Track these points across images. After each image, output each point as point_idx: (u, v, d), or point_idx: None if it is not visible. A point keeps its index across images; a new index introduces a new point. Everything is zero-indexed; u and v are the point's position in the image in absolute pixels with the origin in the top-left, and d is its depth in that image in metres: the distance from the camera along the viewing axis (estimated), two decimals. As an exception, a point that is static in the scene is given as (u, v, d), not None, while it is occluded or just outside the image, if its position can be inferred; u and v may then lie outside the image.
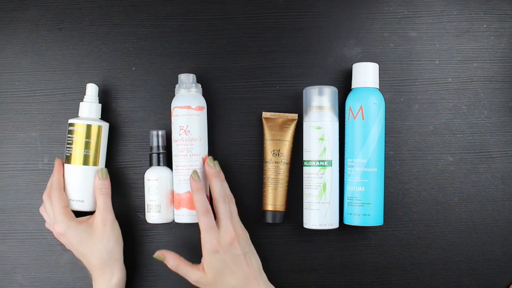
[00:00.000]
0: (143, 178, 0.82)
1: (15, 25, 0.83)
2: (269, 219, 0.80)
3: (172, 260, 0.77)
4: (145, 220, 0.81)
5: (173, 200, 0.79)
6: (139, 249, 0.83)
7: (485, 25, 0.84)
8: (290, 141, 0.81)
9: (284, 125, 0.81)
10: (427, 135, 0.83)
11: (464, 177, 0.83)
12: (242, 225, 0.78)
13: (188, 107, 0.78)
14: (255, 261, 0.76)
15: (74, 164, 0.78)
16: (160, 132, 0.81)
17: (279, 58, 0.83)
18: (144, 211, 0.83)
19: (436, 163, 0.83)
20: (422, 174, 0.83)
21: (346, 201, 0.79)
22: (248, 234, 0.78)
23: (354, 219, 0.78)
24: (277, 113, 0.81)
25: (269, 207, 0.80)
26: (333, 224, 0.78)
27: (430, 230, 0.83)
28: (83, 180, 0.78)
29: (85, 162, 0.78)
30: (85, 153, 0.78)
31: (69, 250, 0.81)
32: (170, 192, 0.79)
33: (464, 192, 0.83)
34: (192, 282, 0.76)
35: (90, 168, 0.79)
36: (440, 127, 0.83)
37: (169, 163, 0.81)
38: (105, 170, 0.79)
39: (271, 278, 0.80)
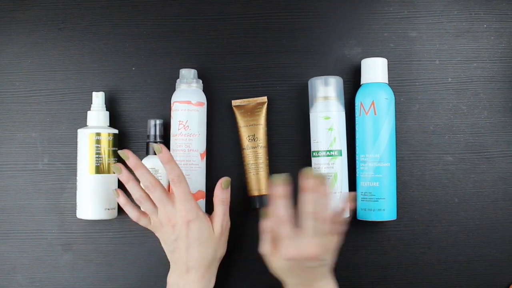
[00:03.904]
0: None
1: (15, 25, 0.83)
2: (256, 204, 0.80)
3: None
4: None
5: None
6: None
7: (485, 25, 0.84)
8: (264, 125, 0.81)
9: (255, 109, 0.81)
10: (427, 135, 0.83)
11: (464, 177, 0.83)
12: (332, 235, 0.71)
13: (188, 102, 0.78)
14: (326, 268, 0.72)
15: (107, 174, 0.79)
16: (158, 121, 0.80)
17: (279, 58, 0.83)
18: None
19: (436, 163, 0.83)
20: (422, 174, 0.83)
21: (359, 196, 0.79)
22: (336, 242, 0.72)
23: (368, 214, 0.78)
24: (246, 99, 0.81)
25: (255, 192, 0.80)
26: (345, 213, 0.78)
27: (430, 230, 0.83)
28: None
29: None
30: (114, 161, 0.79)
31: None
32: (166, 181, 0.79)
33: (464, 192, 0.83)
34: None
35: (115, 176, 0.80)
36: (440, 127, 0.83)
37: None
38: (228, 180, 0.76)
39: (269, 278, 0.80)
